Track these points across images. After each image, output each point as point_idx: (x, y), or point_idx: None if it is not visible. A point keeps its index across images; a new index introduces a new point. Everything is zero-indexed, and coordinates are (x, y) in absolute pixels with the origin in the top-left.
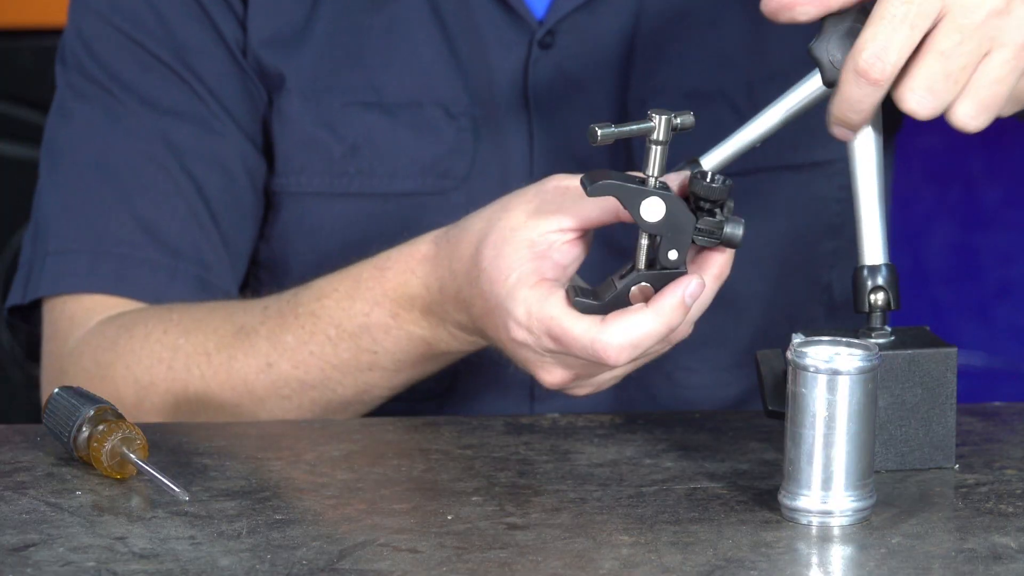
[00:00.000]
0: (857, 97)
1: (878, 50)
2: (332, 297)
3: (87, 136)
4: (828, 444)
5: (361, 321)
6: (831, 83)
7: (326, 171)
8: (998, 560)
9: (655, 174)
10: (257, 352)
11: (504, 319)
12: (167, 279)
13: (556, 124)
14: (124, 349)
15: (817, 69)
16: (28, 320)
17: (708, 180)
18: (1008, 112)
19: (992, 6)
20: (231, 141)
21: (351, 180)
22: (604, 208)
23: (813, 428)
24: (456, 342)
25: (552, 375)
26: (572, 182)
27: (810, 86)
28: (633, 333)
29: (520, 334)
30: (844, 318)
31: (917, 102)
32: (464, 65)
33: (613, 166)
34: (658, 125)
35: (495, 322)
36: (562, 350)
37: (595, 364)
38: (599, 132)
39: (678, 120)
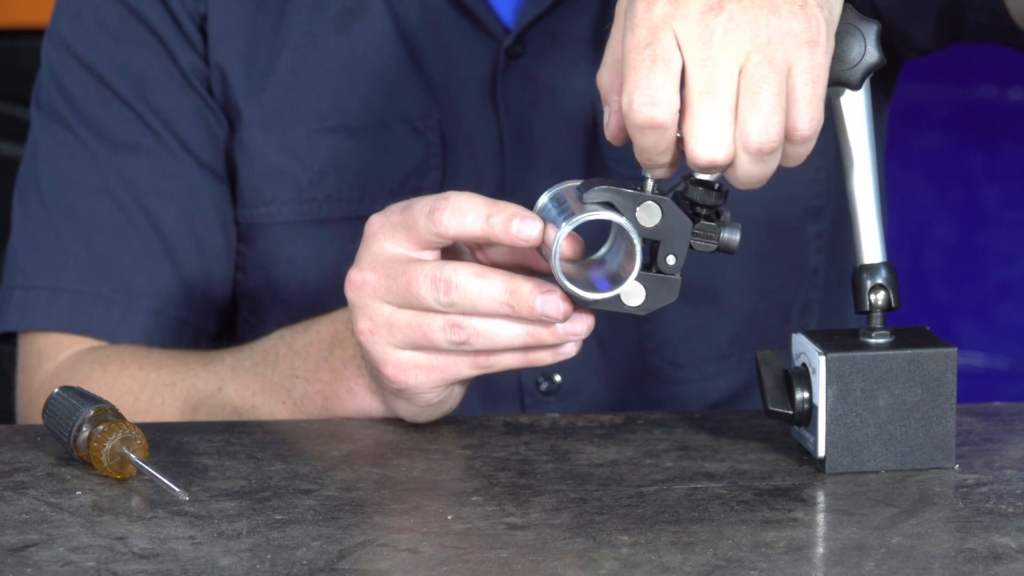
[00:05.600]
0: (646, 144)
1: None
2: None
3: (49, 171)
4: None
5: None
6: None
7: (294, 200)
8: (998, 560)
9: (652, 179)
10: (213, 376)
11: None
12: (120, 315)
13: (527, 131)
14: (97, 384)
15: None
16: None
17: (704, 186)
18: None
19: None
20: (187, 173)
21: (320, 207)
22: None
23: None
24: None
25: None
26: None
27: None
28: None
29: (374, 225)
30: (836, 303)
31: (705, 148)
32: (432, 79)
33: (589, 170)
34: None
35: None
36: (406, 209)
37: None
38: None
39: None
